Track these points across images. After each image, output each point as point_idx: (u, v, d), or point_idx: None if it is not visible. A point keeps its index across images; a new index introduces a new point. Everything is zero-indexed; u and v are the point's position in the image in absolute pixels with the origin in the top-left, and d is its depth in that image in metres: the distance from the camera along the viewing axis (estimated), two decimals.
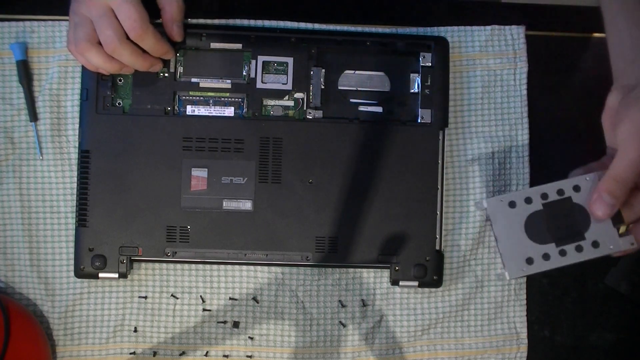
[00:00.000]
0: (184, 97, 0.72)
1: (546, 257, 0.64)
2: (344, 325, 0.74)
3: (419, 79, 0.73)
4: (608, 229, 0.63)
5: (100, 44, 0.66)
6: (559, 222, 0.64)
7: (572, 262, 0.64)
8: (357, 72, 0.73)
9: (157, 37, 0.67)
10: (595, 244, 0.64)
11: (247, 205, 0.71)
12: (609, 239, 0.63)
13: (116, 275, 0.70)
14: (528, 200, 0.65)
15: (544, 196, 0.65)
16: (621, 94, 0.62)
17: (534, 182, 0.75)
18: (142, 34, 0.66)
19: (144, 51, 0.68)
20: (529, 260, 0.64)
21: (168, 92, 0.71)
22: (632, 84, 0.62)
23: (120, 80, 0.71)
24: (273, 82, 0.72)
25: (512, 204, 0.64)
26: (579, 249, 0.64)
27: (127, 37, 0.66)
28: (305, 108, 0.72)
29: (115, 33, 0.65)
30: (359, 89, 0.73)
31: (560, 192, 0.64)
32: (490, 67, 0.76)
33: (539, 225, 0.64)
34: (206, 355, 0.73)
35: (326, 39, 0.72)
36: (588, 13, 0.77)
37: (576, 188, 0.64)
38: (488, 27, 0.76)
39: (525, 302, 0.76)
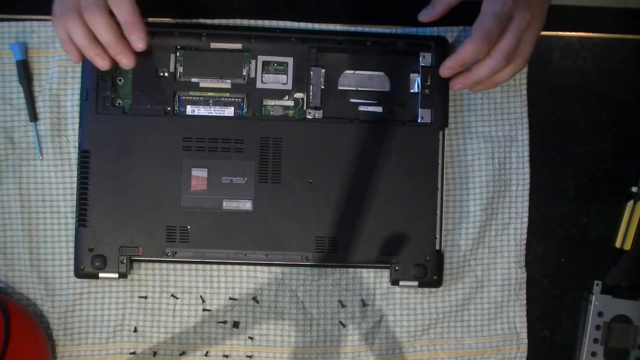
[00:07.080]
0: (184, 97, 0.72)
1: None
2: (344, 325, 0.74)
3: (419, 79, 0.72)
4: None
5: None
6: None
7: None
8: (357, 72, 0.73)
9: (136, 8, 0.66)
10: None
11: (247, 205, 0.71)
12: None
13: (116, 275, 0.70)
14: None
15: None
16: None
17: (534, 182, 0.75)
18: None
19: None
20: None
21: (168, 92, 0.71)
22: None
23: (120, 80, 0.71)
24: (273, 82, 0.72)
25: None
26: None
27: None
28: (305, 108, 0.72)
29: (97, 1, 0.64)
30: (359, 89, 0.73)
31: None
32: None
33: None
34: (206, 355, 0.73)
35: (326, 39, 0.72)
36: (588, 13, 0.77)
37: None
38: None
39: (525, 302, 0.76)
